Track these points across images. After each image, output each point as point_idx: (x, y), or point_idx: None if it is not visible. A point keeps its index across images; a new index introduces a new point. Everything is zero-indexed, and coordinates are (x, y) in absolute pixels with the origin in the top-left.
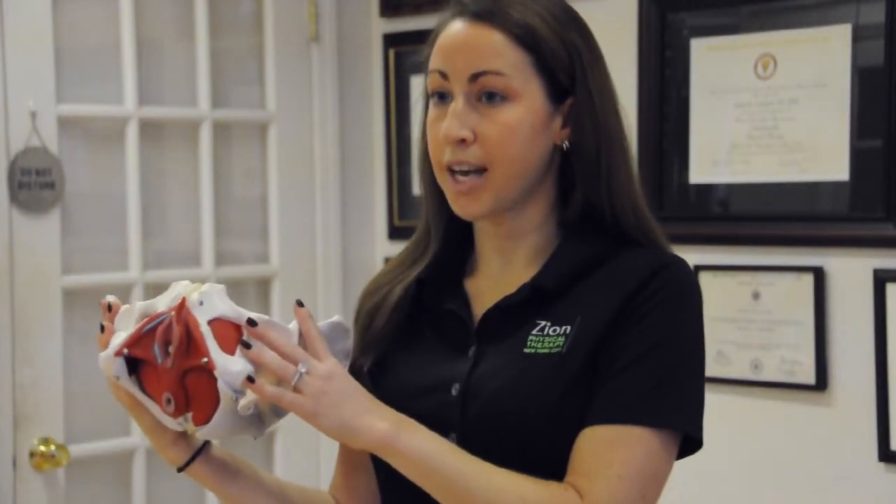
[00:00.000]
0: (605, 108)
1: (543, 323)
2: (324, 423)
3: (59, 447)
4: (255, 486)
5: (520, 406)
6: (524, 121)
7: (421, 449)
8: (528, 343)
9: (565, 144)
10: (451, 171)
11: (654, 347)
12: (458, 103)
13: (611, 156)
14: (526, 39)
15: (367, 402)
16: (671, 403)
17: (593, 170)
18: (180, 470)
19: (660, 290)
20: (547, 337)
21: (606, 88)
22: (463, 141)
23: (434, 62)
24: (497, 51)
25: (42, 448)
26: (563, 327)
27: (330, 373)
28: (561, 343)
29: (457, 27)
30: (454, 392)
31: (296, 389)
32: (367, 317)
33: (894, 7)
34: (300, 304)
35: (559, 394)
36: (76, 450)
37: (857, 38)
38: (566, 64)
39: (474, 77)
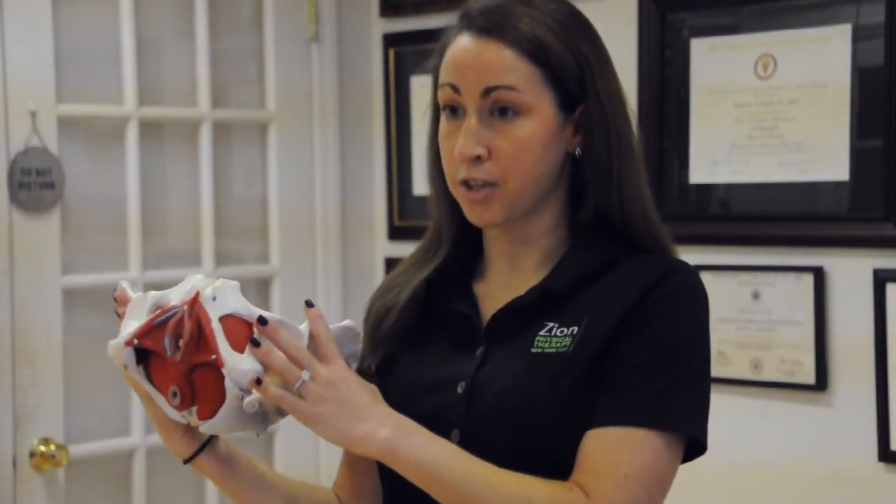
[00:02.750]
0: (615, 114)
1: (551, 324)
2: (323, 430)
3: (59, 447)
4: (259, 483)
5: (525, 404)
6: (537, 135)
7: (423, 455)
8: (536, 343)
9: (577, 151)
10: (466, 185)
11: (662, 351)
12: (471, 120)
13: (622, 161)
14: (536, 53)
15: (368, 408)
16: (679, 407)
17: (604, 176)
18: (186, 462)
19: (668, 294)
20: (554, 337)
21: (616, 93)
22: (478, 158)
23: (445, 76)
24: (508, 66)
25: (42, 448)
26: (571, 328)
27: (333, 379)
28: (568, 343)
29: (465, 42)
30: (459, 390)
31: (298, 394)
32: (376, 317)
33: (894, 7)
34: (310, 304)
35: (565, 393)
36: (76, 450)
37: (857, 38)
38: (576, 73)
39: (487, 92)
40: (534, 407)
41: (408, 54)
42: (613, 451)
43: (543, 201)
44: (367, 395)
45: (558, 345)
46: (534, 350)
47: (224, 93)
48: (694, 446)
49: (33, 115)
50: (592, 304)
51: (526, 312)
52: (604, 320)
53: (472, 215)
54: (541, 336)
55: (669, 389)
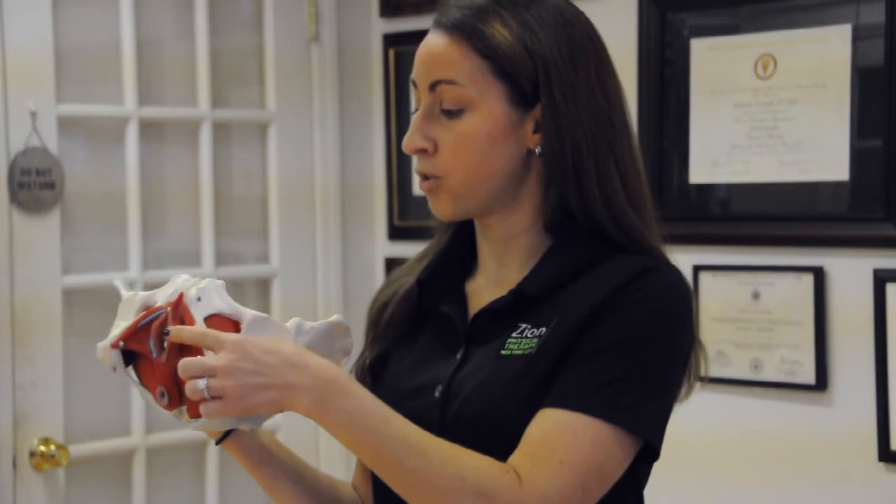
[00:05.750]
0: (574, 114)
1: (524, 326)
2: (258, 410)
3: (59, 447)
4: (286, 472)
5: (491, 407)
6: (481, 129)
7: (349, 418)
8: (507, 345)
9: (538, 149)
10: (424, 177)
11: (622, 342)
12: (418, 115)
13: (579, 160)
14: (482, 48)
15: (283, 375)
16: (626, 401)
17: (560, 174)
18: (217, 443)
19: (639, 290)
20: (524, 339)
21: (580, 94)
22: (424, 151)
23: (412, 73)
24: (451, 61)
25: (42, 448)
26: (540, 329)
27: (233, 367)
28: (534, 345)
29: (428, 38)
30: (437, 393)
31: (215, 398)
32: (378, 311)
33: (894, 7)
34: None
35: (527, 395)
36: (76, 450)
37: (857, 38)
38: (530, 71)
39: (432, 86)
40: (496, 408)
41: (408, 54)
42: (554, 434)
43: (515, 199)
44: (276, 360)
45: (526, 346)
46: (503, 352)
47: (224, 93)
48: (649, 450)
49: (33, 115)
50: (565, 304)
51: (504, 314)
52: (571, 320)
53: (430, 207)
54: (512, 338)
55: (619, 381)
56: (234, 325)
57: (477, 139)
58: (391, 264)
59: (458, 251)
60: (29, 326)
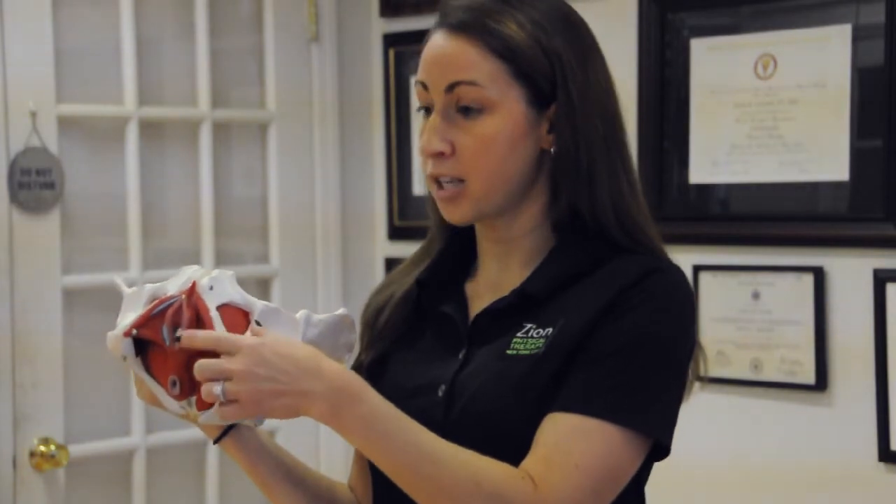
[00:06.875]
0: (588, 114)
1: (529, 326)
2: (273, 415)
3: (59, 447)
4: (283, 472)
5: (497, 406)
6: (501, 131)
7: (363, 424)
8: (512, 345)
9: (553, 149)
10: (438, 182)
11: (627, 345)
12: (435, 117)
13: (592, 161)
14: (501, 49)
15: (298, 382)
16: (636, 404)
17: (573, 174)
18: (215, 442)
19: (644, 291)
20: (530, 339)
21: (594, 92)
22: (441, 154)
23: (418, 73)
24: (471, 62)
25: (42, 448)
26: (546, 329)
27: (248, 372)
28: (541, 345)
29: (436, 39)
30: (440, 393)
31: (231, 401)
32: (373, 314)
33: (894, 7)
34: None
35: (536, 395)
36: (76, 450)
37: (857, 38)
38: (547, 71)
39: (450, 88)
40: (505, 410)
41: (408, 54)
42: (567, 438)
43: (523, 199)
44: (291, 366)
45: (532, 346)
46: (509, 352)
47: (224, 93)
48: (658, 448)
49: (33, 115)
50: (570, 304)
51: (506, 313)
52: (578, 321)
53: (444, 213)
54: (518, 338)
55: (628, 384)
56: (245, 315)
57: (498, 142)
58: (391, 264)
59: (458, 252)
60: (29, 326)
